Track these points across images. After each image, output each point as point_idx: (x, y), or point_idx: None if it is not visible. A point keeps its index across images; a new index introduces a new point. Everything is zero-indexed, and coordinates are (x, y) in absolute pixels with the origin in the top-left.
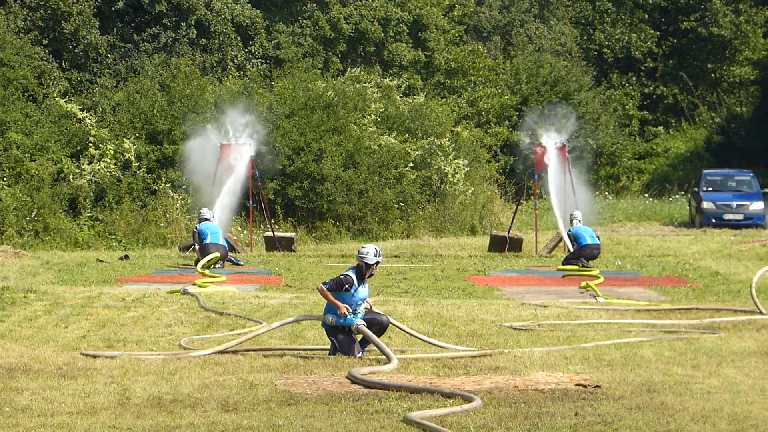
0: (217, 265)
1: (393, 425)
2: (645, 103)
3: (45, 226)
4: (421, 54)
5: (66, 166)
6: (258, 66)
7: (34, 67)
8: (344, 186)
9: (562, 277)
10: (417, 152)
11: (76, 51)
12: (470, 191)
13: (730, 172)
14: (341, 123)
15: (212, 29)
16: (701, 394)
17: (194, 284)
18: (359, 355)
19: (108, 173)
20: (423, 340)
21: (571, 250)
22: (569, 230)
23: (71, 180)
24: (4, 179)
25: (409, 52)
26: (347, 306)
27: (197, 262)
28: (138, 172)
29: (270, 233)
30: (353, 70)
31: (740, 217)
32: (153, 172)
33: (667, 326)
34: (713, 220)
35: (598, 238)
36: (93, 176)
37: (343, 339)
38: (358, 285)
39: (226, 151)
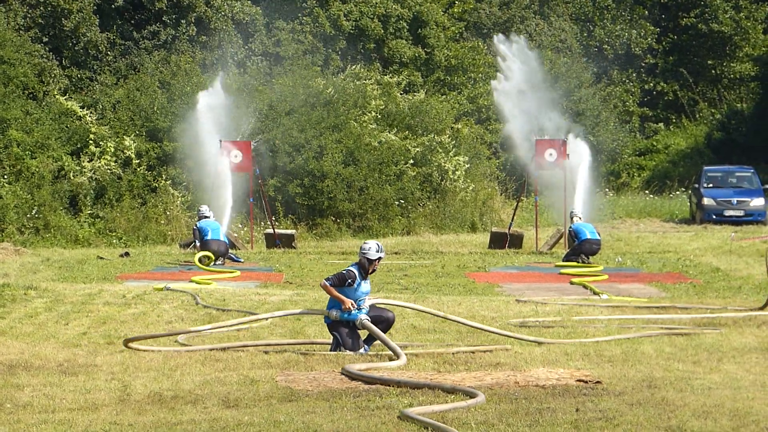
0: (217, 262)
1: (394, 421)
2: (645, 99)
3: (45, 223)
4: (422, 51)
5: (66, 164)
6: (258, 63)
7: (35, 65)
8: (345, 183)
9: (559, 273)
10: (417, 149)
11: (76, 48)
12: (471, 188)
13: (730, 169)
14: (341, 120)
15: (212, 26)
16: (702, 389)
17: (191, 281)
18: (362, 351)
19: (108, 170)
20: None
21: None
22: (570, 227)
23: (72, 177)
24: (5, 177)
25: (409, 48)
26: (352, 301)
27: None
28: (138, 169)
29: (270, 230)
30: (353, 67)
31: (741, 213)
32: (153, 170)
33: (668, 322)
34: (714, 217)
35: (599, 234)
36: (93, 173)
37: (346, 334)
38: (361, 280)
39: (227, 148)
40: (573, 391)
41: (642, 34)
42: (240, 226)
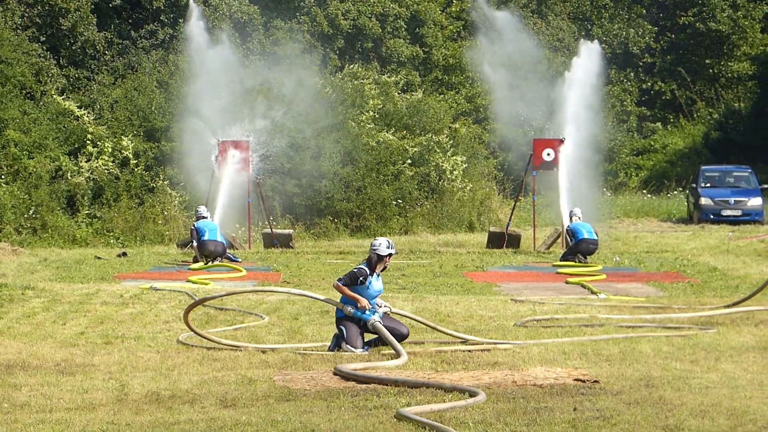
0: (215, 262)
1: (391, 421)
2: (643, 99)
3: (43, 223)
4: (419, 50)
5: (64, 164)
6: (256, 62)
7: (32, 64)
8: (342, 183)
9: (557, 273)
10: (415, 149)
11: (73, 48)
12: (468, 188)
13: (728, 168)
14: (339, 119)
15: (210, 26)
16: (700, 388)
17: (188, 280)
18: (360, 351)
19: (106, 171)
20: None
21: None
22: (568, 226)
23: (69, 177)
24: (2, 177)
25: (407, 48)
26: (368, 301)
27: (195, 259)
28: (136, 169)
29: (268, 230)
30: (351, 66)
31: (738, 213)
32: (151, 170)
33: (665, 321)
34: (711, 216)
35: (596, 235)
36: (91, 174)
37: (352, 328)
38: (372, 278)
39: (224, 148)
40: (571, 390)
41: (640, 33)
42: (237, 226)
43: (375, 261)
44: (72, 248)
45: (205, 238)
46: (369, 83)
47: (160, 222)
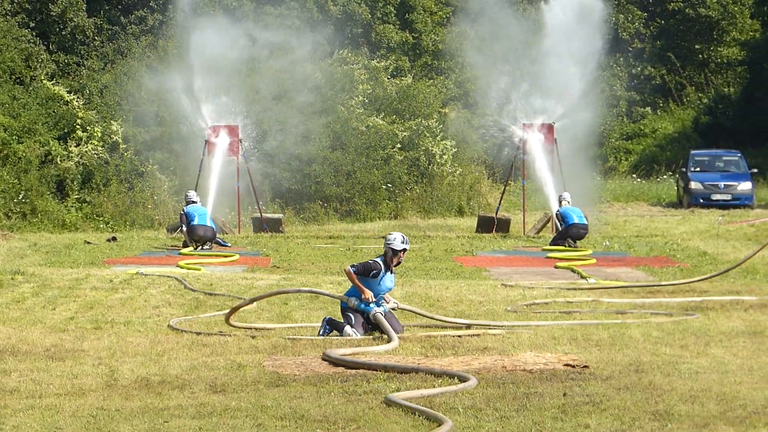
0: (205, 247)
1: (381, 406)
2: (633, 83)
3: (32, 208)
4: (409, 35)
5: (53, 149)
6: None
7: (22, 50)
8: (332, 167)
9: (546, 257)
10: (405, 133)
11: (63, 33)
12: (458, 172)
13: (717, 153)
14: (329, 104)
15: (199, 11)
16: (689, 374)
17: (178, 266)
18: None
19: (95, 155)
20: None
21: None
22: (558, 210)
23: (59, 162)
24: None
25: (397, 33)
26: (372, 293)
27: (185, 244)
28: (125, 154)
29: (258, 214)
30: (341, 51)
31: (728, 197)
32: (140, 154)
33: (654, 306)
34: (701, 201)
35: (586, 219)
36: (80, 158)
37: (358, 317)
38: (385, 273)
39: (214, 132)
40: (560, 375)
41: (629, 18)
42: (227, 210)
43: (390, 256)
44: (61, 233)
45: (195, 222)
46: (359, 68)
47: (149, 207)
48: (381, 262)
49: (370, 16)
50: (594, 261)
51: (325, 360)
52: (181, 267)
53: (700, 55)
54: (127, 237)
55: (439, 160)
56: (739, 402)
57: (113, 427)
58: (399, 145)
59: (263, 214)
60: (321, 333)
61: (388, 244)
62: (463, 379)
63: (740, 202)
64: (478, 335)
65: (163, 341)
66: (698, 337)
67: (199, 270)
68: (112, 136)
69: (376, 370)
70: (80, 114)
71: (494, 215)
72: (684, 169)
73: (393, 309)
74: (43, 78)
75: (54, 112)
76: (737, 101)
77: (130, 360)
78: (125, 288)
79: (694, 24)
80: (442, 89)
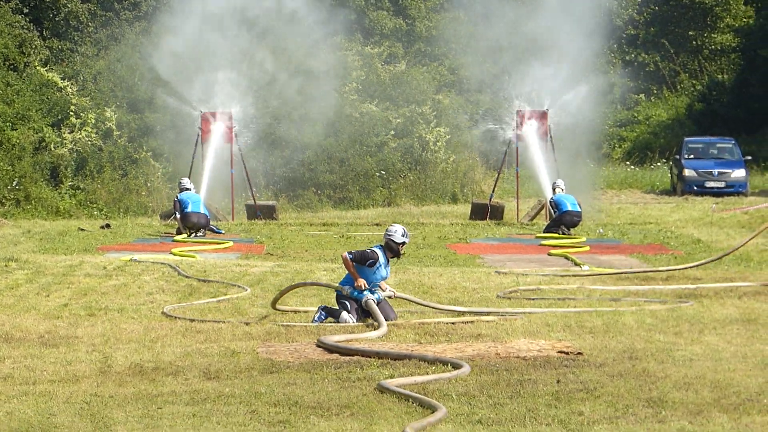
0: (198, 234)
1: (374, 393)
2: (626, 70)
3: (26, 195)
4: (402, 22)
5: (47, 135)
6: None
7: (15, 36)
8: (325, 154)
9: (540, 245)
10: (398, 120)
11: (56, 19)
12: (452, 159)
13: (711, 140)
14: (322, 91)
15: None
16: (683, 361)
17: (172, 253)
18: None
19: (89, 142)
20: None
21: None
22: (551, 198)
23: (52, 149)
24: None
25: (390, 20)
26: (364, 281)
27: (178, 231)
28: (119, 140)
29: (251, 201)
30: (334, 38)
31: (722, 184)
32: (134, 141)
33: (648, 293)
34: (695, 188)
35: (580, 206)
36: (74, 145)
37: (353, 304)
38: (382, 263)
39: (207, 119)
40: (554, 362)
41: (623, 5)
42: (220, 197)
43: (390, 247)
44: (55, 220)
45: (188, 210)
46: (352, 55)
47: (143, 194)
48: (380, 252)
49: (363, 2)
50: (588, 248)
51: (320, 347)
52: (175, 254)
53: (694, 42)
54: (120, 224)
55: (432, 147)
56: (733, 389)
57: (107, 413)
58: (392, 132)
59: (257, 201)
60: (315, 320)
61: (389, 236)
62: (456, 366)
63: (734, 190)
64: (471, 322)
65: (156, 328)
66: (692, 325)
67: (194, 257)
68: (105, 122)
69: (370, 357)
70: (74, 100)
71: (488, 202)
72: (678, 157)
73: (389, 297)
74: (36, 64)
75: (48, 98)
76: (731, 88)
77: (123, 346)
78: (119, 275)
79: (687, 10)
80: (436, 76)
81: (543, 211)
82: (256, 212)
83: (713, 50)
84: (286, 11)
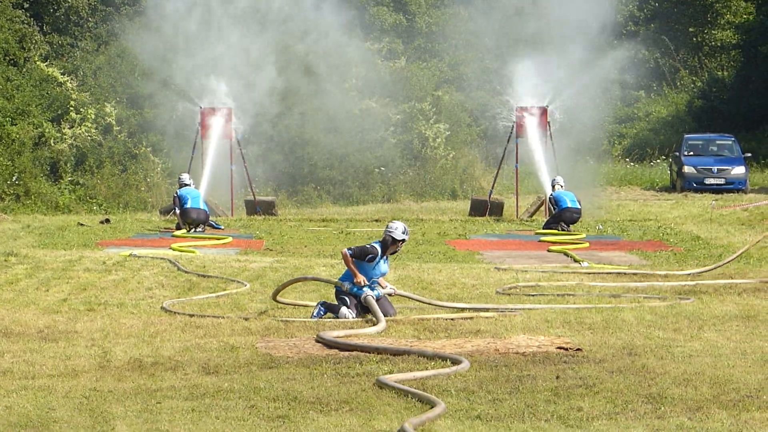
0: (198, 229)
1: (373, 388)
2: (626, 67)
3: (26, 190)
4: (403, 18)
5: (47, 130)
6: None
7: (15, 31)
8: (325, 150)
9: (539, 241)
10: (398, 116)
11: (57, 14)
12: (451, 155)
13: (711, 137)
14: (322, 87)
15: None
16: (683, 357)
17: (171, 248)
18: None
19: (89, 137)
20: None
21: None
22: (551, 195)
23: (52, 144)
24: None
25: (391, 15)
26: (364, 278)
27: (178, 226)
28: (119, 136)
29: (251, 197)
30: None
31: (721, 181)
32: (134, 136)
33: (648, 290)
34: (694, 185)
35: (580, 203)
36: (74, 140)
37: (352, 300)
38: (381, 259)
39: (207, 115)
40: (553, 358)
41: (623, 1)
42: (220, 193)
43: (389, 243)
44: (55, 215)
45: (188, 205)
46: (352, 51)
47: (143, 189)
48: (378, 248)
49: None
50: (587, 245)
51: (319, 342)
52: (174, 249)
53: (694, 39)
54: (120, 219)
55: (432, 143)
56: (732, 385)
57: (106, 408)
58: (392, 128)
59: (256, 197)
60: (314, 315)
61: (389, 232)
62: (455, 362)
63: (734, 187)
64: (470, 318)
65: (156, 323)
66: (691, 321)
67: (193, 253)
68: (105, 118)
69: (369, 353)
70: (74, 96)
71: (487, 198)
72: (677, 153)
73: (389, 294)
74: (36, 59)
75: (48, 93)
76: (731, 85)
77: (123, 341)
78: (118, 270)
79: (688, 7)
80: (436, 72)
81: (542, 208)
82: (255, 208)
83: (713, 47)
84: (286, 7)
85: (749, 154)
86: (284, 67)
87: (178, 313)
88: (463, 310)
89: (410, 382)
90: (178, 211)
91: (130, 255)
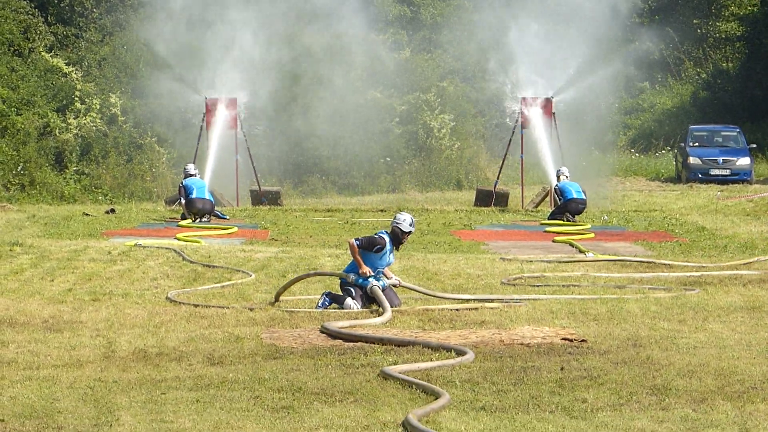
0: (203, 219)
1: (378, 379)
2: (630, 58)
3: (31, 179)
4: (407, 9)
5: (52, 121)
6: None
7: (20, 22)
8: (330, 140)
9: (544, 231)
10: (403, 107)
11: (61, 5)
12: (456, 146)
13: (716, 128)
14: (327, 78)
15: None
16: (687, 348)
17: (176, 238)
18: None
19: (94, 127)
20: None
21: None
22: (556, 185)
23: (57, 134)
24: None
25: (395, 6)
26: (369, 269)
27: (183, 216)
28: (124, 126)
29: (256, 187)
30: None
31: (726, 172)
32: (139, 127)
33: (653, 281)
34: (699, 176)
35: (585, 194)
36: (79, 130)
37: (357, 291)
38: (389, 250)
39: (212, 105)
40: (558, 349)
41: None
42: (225, 183)
43: (398, 235)
44: (60, 205)
45: (193, 195)
46: (357, 42)
47: (148, 179)
48: (386, 238)
49: None
50: (592, 235)
51: (323, 333)
52: (180, 239)
53: (699, 30)
54: (125, 209)
55: (437, 134)
56: (737, 377)
57: (111, 398)
58: (397, 119)
59: (261, 187)
60: (320, 306)
61: (397, 224)
62: (460, 353)
63: (739, 177)
64: (475, 309)
65: (161, 313)
66: (696, 312)
67: (198, 243)
68: (110, 108)
69: (374, 343)
70: (79, 86)
71: (492, 189)
72: (682, 144)
73: (394, 286)
74: (41, 50)
75: (52, 84)
76: (736, 76)
77: (127, 332)
78: (123, 260)
79: None
80: (441, 63)
81: (548, 198)
82: (260, 198)
83: (718, 38)
84: None
85: (754, 145)
86: (289, 58)
87: (183, 304)
88: (467, 301)
89: (415, 373)
90: (183, 201)
91: (136, 245)
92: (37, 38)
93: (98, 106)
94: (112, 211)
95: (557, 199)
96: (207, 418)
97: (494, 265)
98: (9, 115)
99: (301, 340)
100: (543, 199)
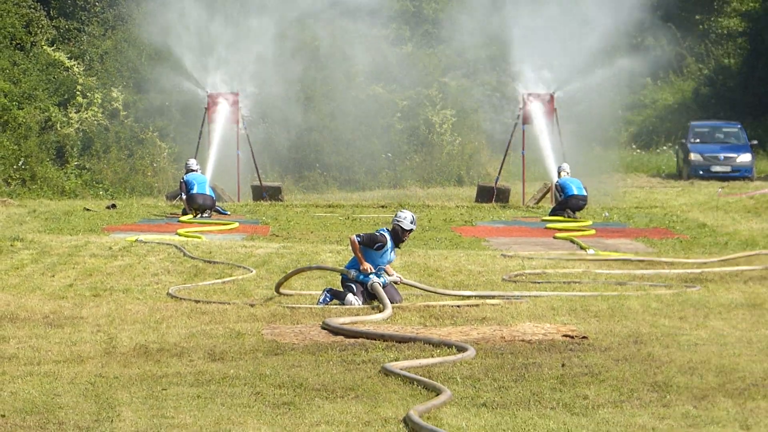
0: (204, 215)
1: (379, 375)
2: (632, 54)
3: (32, 174)
4: (409, 4)
5: (53, 115)
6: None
7: (22, 15)
8: (332, 136)
9: (545, 227)
10: (405, 102)
11: None
12: (458, 141)
13: (717, 124)
14: (329, 73)
15: None
16: (688, 345)
17: (177, 233)
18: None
19: (95, 122)
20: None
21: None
22: (557, 182)
23: (59, 128)
24: None
25: (397, 1)
26: (370, 265)
27: (184, 212)
28: (126, 121)
29: (257, 182)
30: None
31: (728, 169)
32: (140, 121)
33: (654, 278)
34: (700, 172)
35: (586, 190)
36: (80, 125)
37: (359, 287)
38: (390, 247)
39: (213, 100)
40: (559, 346)
41: None
42: (226, 178)
43: (400, 233)
44: (61, 200)
45: (194, 191)
46: (359, 37)
47: (149, 174)
48: (387, 236)
49: None
50: (593, 232)
51: (325, 329)
52: (181, 235)
53: (701, 26)
54: (126, 204)
55: (438, 130)
56: (738, 374)
57: (111, 394)
58: (399, 114)
59: (262, 183)
60: (321, 302)
61: (398, 221)
62: (461, 349)
63: (740, 174)
64: (476, 305)
65: (162, 309)
66: (697, 309)
67: (199, 238)
68: (112, 102)
69: (375, 340)
70: (80, 80)
71: (494, 185)
72: (684, 141)
73: (395, 282)
74: (43, 44)
75: (54, 78)
76: (737, 72)
77: (128, 327)
78: (124, 255)
79: None
80: (443, 58)
81: (549, 195)
82: (261, 193)
83: (720, 34)
84: None
85: (755, 142)
86: (291, 53)
87: (184, 299)
88: (468, 297)
89: (416, 369)
90: (184, 197)
91: (137, 240)
92: (39, 32)
93: (100, 101)
94: (113, 206)
95: (558, 195)
96: (208, 413)
97: (495, 261)
98: (10, 109)
99: (302, 336)
100: (544, 196)
